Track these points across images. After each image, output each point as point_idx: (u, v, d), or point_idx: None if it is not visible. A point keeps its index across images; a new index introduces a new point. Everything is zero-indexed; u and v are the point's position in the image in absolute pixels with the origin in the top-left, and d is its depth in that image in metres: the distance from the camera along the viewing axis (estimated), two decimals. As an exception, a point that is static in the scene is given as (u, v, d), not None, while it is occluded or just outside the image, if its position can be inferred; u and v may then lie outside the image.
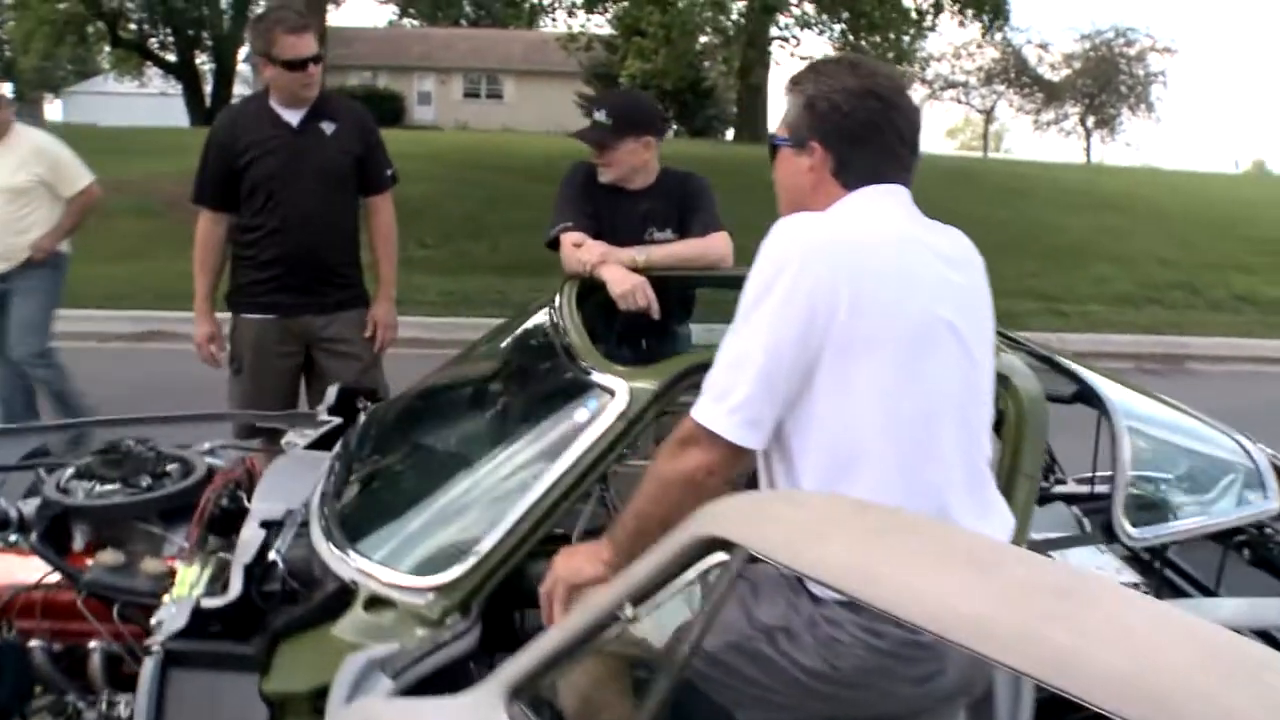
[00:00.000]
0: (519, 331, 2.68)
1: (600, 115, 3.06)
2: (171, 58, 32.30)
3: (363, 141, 3.64)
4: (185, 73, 31.97)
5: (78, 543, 2.33)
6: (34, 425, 4.26)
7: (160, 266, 9.75)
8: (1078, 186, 18.29)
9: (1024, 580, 1.08)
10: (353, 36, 35.20)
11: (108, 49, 32.99)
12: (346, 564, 1.94)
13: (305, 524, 2.15)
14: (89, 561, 2.24)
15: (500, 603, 1.99)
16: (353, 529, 2.05)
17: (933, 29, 17.97)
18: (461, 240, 11.08)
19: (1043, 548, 2.15)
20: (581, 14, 19.66)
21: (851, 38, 20.63)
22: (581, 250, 2.87)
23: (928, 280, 1.66)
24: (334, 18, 9.92)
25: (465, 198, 12.51)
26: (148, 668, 1.81)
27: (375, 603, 1.85)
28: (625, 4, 17.29)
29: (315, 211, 3.51)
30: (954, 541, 1.24)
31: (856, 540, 1.21)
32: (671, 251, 2.93)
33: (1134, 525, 2.24)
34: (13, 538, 2.28)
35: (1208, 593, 2.32)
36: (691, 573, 1.32)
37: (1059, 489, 2.88)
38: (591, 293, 2.80)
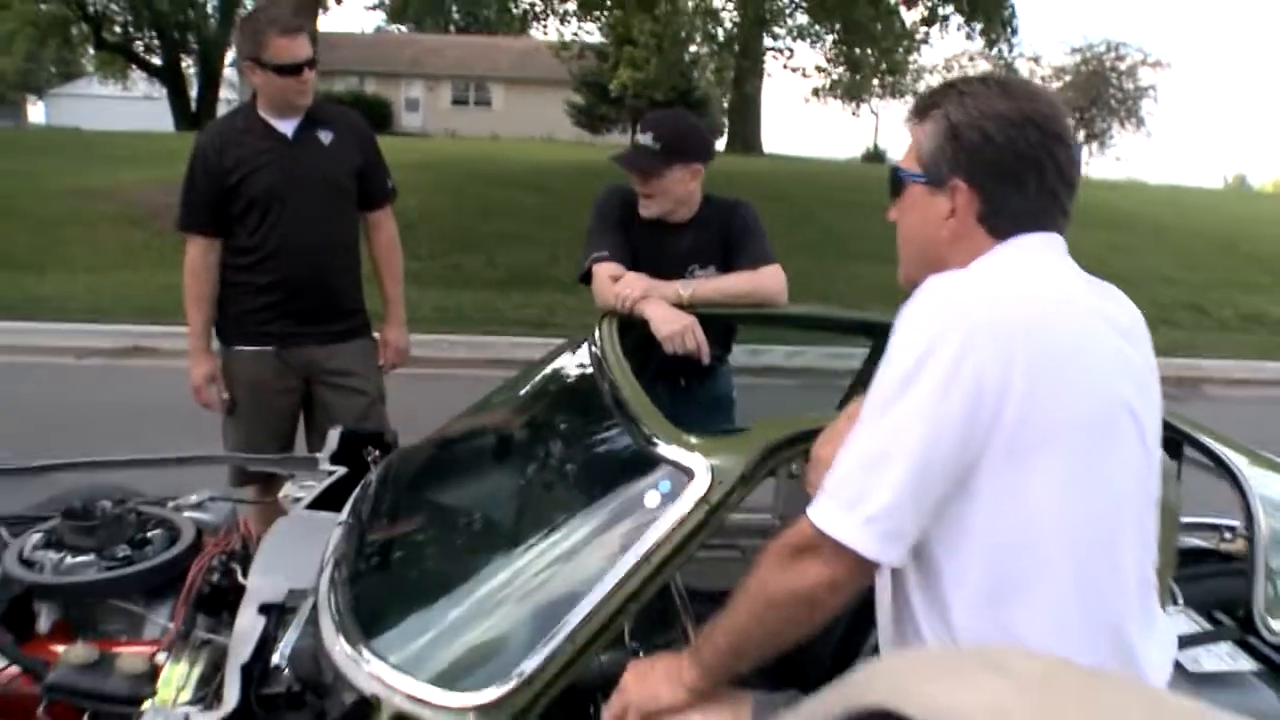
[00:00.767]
0: (557, 379, 2.36)
1: (646, 139, 2.74)
2: (157, 61, 31.86)
3: (362, 151, 3.31)
4: (170, 76, 31.52)
5: (43, 624, 2.00)
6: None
7: (143, 278, 9.40)
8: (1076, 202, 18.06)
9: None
10: (340, 41, 34.77)
11: (92, 51, 32.51)
12: (364, 669, 1.61)
13: (312, 610, 1.82)
14: (57, 650, 1.92)
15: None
16: (370, 622, 1.72)
17: (925, 41, 17.77)
18: (455, 253, 10.74)
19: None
20: (574, 21, 19.38)
21: (845, 49, 20.52)
22: (620, 284, 2.55)
23: (1107, 357, 1.34)
24: (321, 22, 9.59)
25: (457, 209, 12.17)
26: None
27: (401, 720, 1.53)
28: (617, 12, 16.98)
29: (316, 230, 3.18)
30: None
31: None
32: (720, 287, 2.62)
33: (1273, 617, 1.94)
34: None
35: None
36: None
37: None
38: (627, 329, 2.48)
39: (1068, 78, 38.87)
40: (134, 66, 32.28)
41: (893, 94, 32.40)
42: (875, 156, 38.08)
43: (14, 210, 10.83)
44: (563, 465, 2.07)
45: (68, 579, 2.00)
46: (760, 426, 1.67)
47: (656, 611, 1.81)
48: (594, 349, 2.28)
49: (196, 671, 1.79)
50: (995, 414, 1.25)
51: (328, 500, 2.44)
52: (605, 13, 17.42)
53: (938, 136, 1.43)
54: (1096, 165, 40.87)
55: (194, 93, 31.86)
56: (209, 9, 31.16)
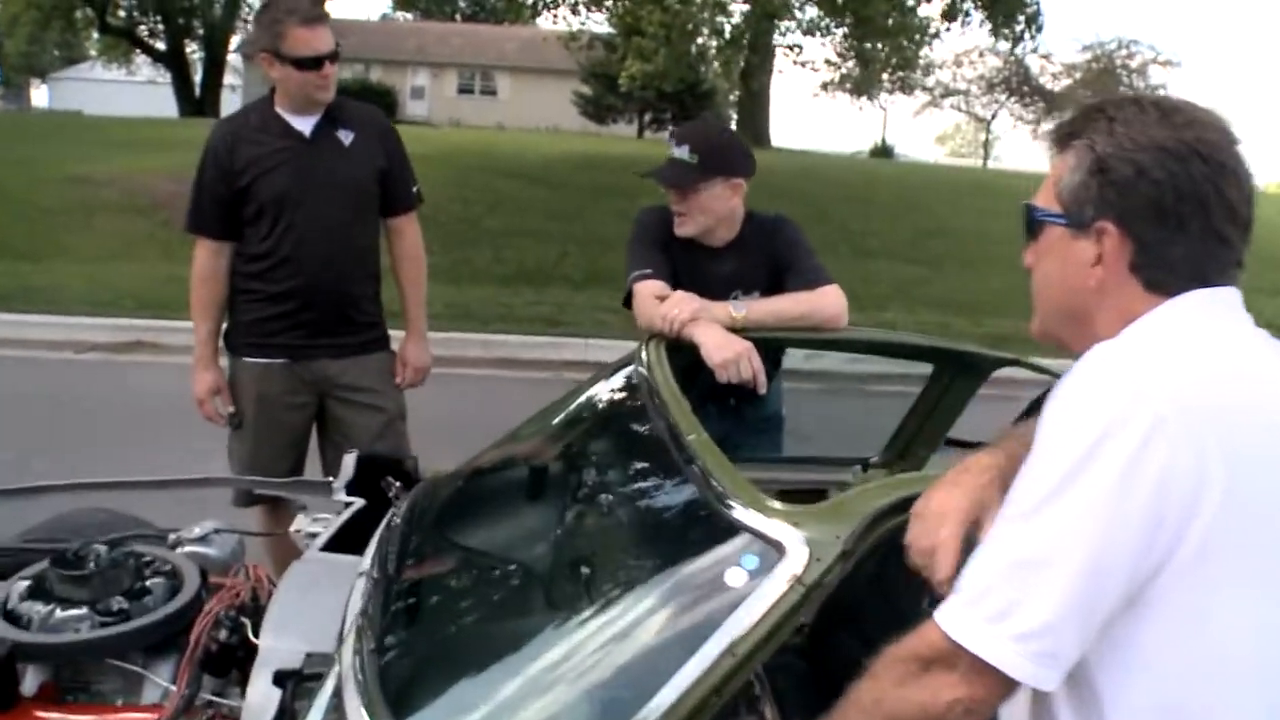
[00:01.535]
0: (604, 410, 2.13)
1: (681, 151, 2.52)
2: (161, 46, 31.55)
3: (385, 152, 3.08)
4: (174, 61, 31.21)
5: (29, 685, 1.77)
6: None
7: (146, 269, 9.17)
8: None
9: None
10: (345, 29, 34.44)
11: (96, 35, 32.23)
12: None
13: (336, 684, 1.60)
14: (44, 716, 1.71)
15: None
16: (401, 700, 1.50)
17: (938, 36, 17.54)
18: (463, 248, 10.50)
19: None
20: (584, 11, 19.12)
21: (856, 43, 20.29)
22: (667, 304, 2.32)
23: None
24: (328, 9, 9.36)
25: (465, 202, 11.94)
26: None
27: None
28: (626, 2, 16.73)
29: (334, 235, 2.95)
30: None
31: None
32: (776, 309, 2.39)
33: None
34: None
35: None
36: None
37: None
38: (672, 349, 2.26)
39: (1078, 75, 38.61)
40: (138, 51, 31.99)
41: (902, 89, 32.17)
42: (883, 151, 37.81)
43: (11, 197, 10.59)
44: (621, 517, 1.85)
45: (57, 638, 1.77)
46: (859, 492, 1.44)
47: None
48: (640, 371, 2.06)
49: (203, 753, 1.58)
50: (1185, 518, 1.02)
51: (345, 537, 2.22)
52: (614, 3, 17.15)
53: (1081, 171, 1.19)
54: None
55: (198, 78, 31.56)
56: (214, -7, 30.89)
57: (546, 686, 1.46)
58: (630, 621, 1.45)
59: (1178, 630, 1.06)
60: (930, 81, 38.72)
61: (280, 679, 1.64)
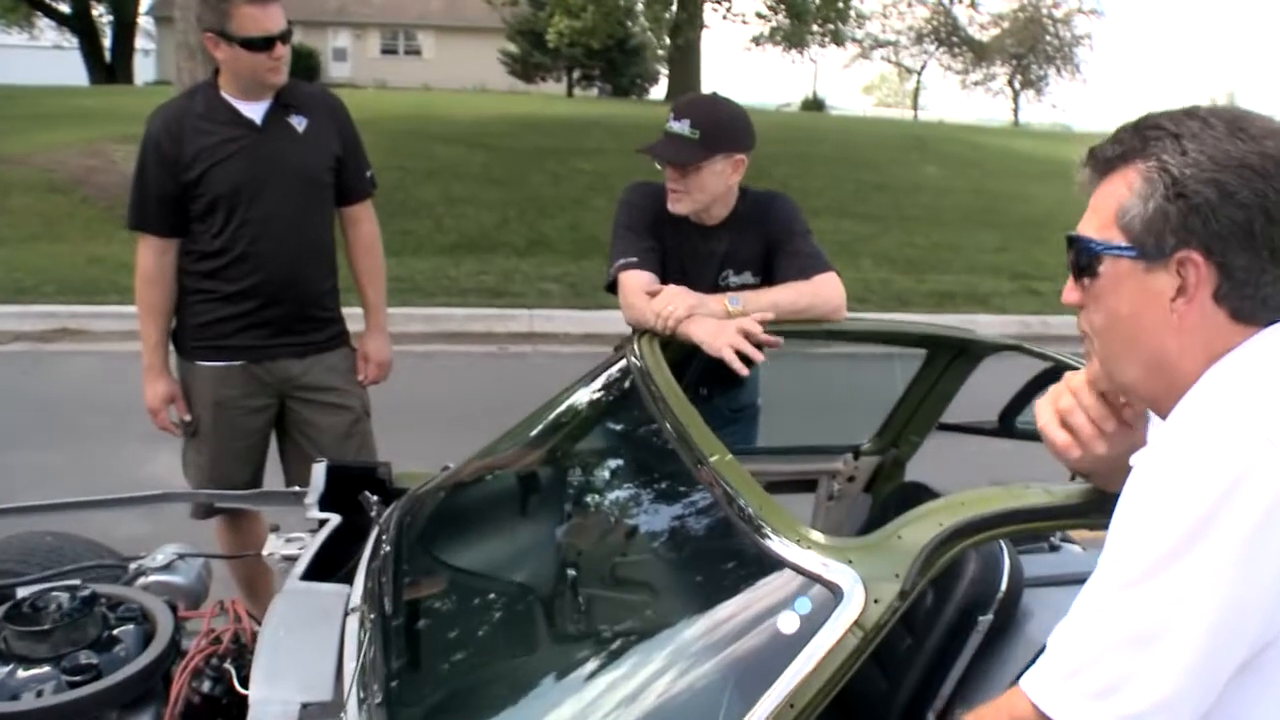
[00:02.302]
0: (605, 415, 1.99)
1: (681, 126, 2.37)
2: (65, 8, 30.23)
3: (340, 138, 2.88)
4: (81, 25, 29.93)
5: (-11, 755, 1.61)
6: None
7: (68, 250, 8.75)
8: (1033, 153, 17.95)
9: None
10: (262, -12, 33.39)
11: (-8, -2, 30.79)
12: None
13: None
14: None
15: None
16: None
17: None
18: (401, 218, 10.20)
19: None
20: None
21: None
22: (660, 300, 2.19)
23: None
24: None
25: (401, 169, 11.59)
26: None
27: None
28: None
29: (292, 229, 2.76)
30: None
31: None
32: (774, 300, 2.27)
33: None
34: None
35: None
36: None
37: None
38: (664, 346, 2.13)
39: (1005, 25, 38.86)
40: (40, 14, 30.63)
41: (834, 41, 32.05)
42: (815, 104, 37.80)
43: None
44: (645, 547, 1.72)
45: (18, 706, 1.59)
46: (909, 522, 1.32)
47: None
48: (636, 371, 1.93)
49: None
50: None
51: (324, 558, 2.08)
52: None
53: (1156, 197, 1.06)
54: (1034, 112, 41.26)
55: (108, 43, 30.34)
56: (120, -47, 29.63)
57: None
58: (675, 672, 1.34)
59: None
60: (860, 34, 38.66)
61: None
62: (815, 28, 26.26)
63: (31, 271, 8.09)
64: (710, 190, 2.41)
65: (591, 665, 1.46)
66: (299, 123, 2.77)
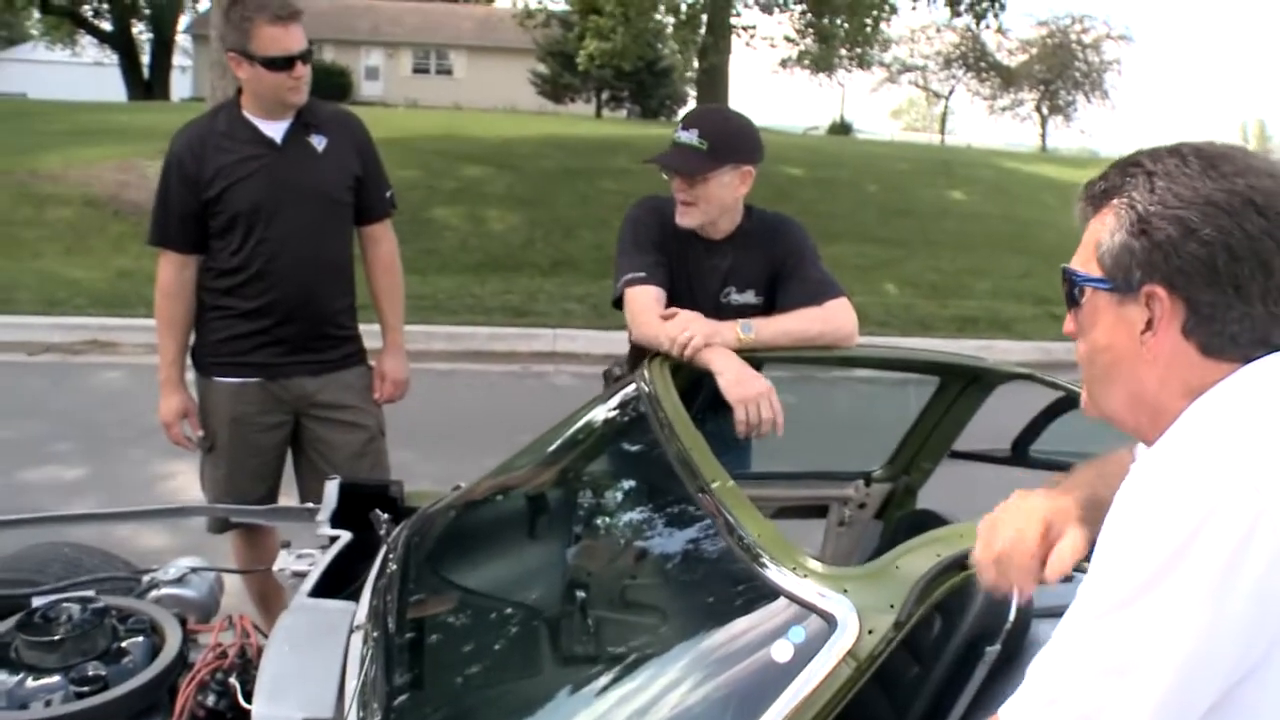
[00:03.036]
0: (613, 439, 2.01)
1: (689, 136, 2.37)
2: (106, 26, 30.76)
3: (360, 158, 2.92)
4: (121, 42, 30.44)
5: (-1, 762, 1.64)
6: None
7: (98, 264, 8.89)
8: (1060, 178, 17.88)
9: None
10: (297, 7, 33.84)
11: (37, 15, 31.35)
12: None
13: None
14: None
15: None
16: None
17: (895, 12, 17.49)
18: (428, 236, 10.30)
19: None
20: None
21: (814, 19, 20.19)
22: (674, 324, 2.19)
23: None
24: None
25: (429, 188, 11.70)
26: None
27: None
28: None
29: (309, 247, 2.79)
30: None
31: None
32: (787, 328, 2.27)
33: None
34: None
35: None
36: None
37: None
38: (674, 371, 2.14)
39: (1034, 51, 38.82)
40: (82, 31, 31.19)
41: (860, 65, 32.08)
42: (842, 128, 37.83)
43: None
44: (640, 568, 1.73)
45: (27, 715, 1.62)
46: (905, 552, 1.33)
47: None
48: (645, 397, 1.94)
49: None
50: None
51: (333, 575, 2.10)
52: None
53: (1122, 232, 1.09)
54: (1062, 137, 41.07)
55: (146, 60, 30.82)
56: (160, -28, 30.13)
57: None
58: (671, 698, 1.34)
59: None
60: (888, 58, 38.73)
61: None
62: (843, 52, 26.35)
63: (64, 284, 8.23)
64: (718, 201, 2.41)
65: (588, 688, 1.47)
66: (319, 142, 2.81)
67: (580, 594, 1.76)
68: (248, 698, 1.67)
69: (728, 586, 1.43)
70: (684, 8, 19.36)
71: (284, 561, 2.23)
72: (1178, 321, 1.07)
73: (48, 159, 11.18)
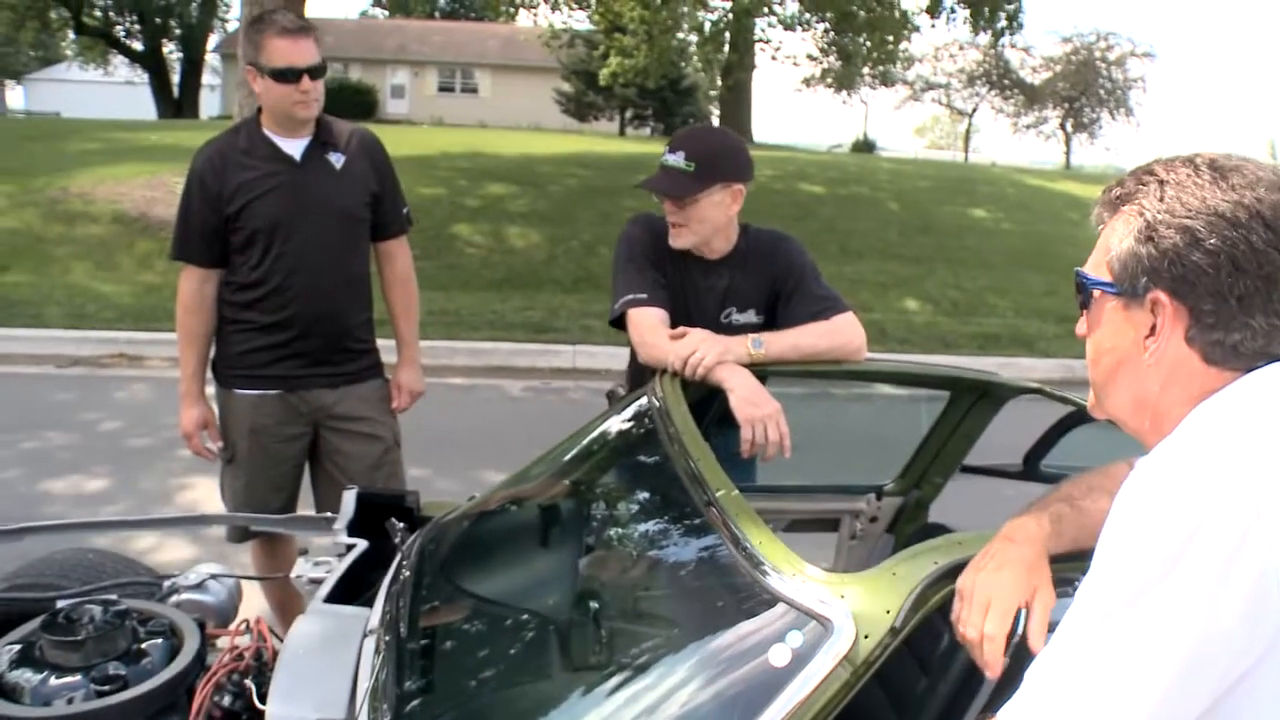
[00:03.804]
0: (622, 453, 2.04)
1: (676, 159, 2.37)
2: (138, 46, 31.27)
3: (377, 175, 2.97)
4: (152, 62, 30.94)
5: (21, 759, 1.68)
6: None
7: (125, 279, 9.04)
8: (1084, 196, 17.80)
9: None
10: (324, 28, 33.86)
11: (71, 35, 31.91)
12: None
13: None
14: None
15: None
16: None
17: (917, 30, 17.53)
18: (451, 253, 10.39)
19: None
20: (564, 8, 19.05)
21: (836, 35, 20.26)
22: (684, 344, 2.19)
23: None
24: (307, 9, 9.06)
25: (452, 205, 11.81)
26: None
27: None
28: (606, -1, 16.66)
29: (327, 262, 2.85)
30: None
31: None
32: (796, 343, 2.29)
33: None
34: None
35: None
36: None
37: None
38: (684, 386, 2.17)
39: (1058, 68, 38.69)
40: (115, 52, 31.69)
41: (883, 83, 32.11)
42: (866, 145, 37.84)
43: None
44: (652, 579, 1.76)
45: (50, 712, 1.67)
46: (904, 559, 1.35)
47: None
48: (655, 411, 1.97)
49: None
50: None
51: (349, 579, 2.14)
52: (595, 0, 17.06)
53: (1130, 237, 1.12)
54: (1086, 155, 40.86)
55: (176, 79, 31.28)
56: (190, -7, 30.61)
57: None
58: (670, 703, 1.37)
59: None
60: (911, 75, 38.73)
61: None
62: (865, 70, 26.41)
63: (93, 298, 8.36)
64: (710, 221, 2.41)
65: (590, 691, 1.50)
66: (337, 159, 2.87)
67: (585, 601, 1.79)
68: (262, 699, 1.71)
69: (730, 593, 1.45)
70: (707, 25, 19.46)
71: (301, 569, 2.27)
72: (1181, 329, 1.10)
73: (79, 177, 11.35)
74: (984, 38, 16.46)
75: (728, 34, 20.50)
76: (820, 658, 1.24)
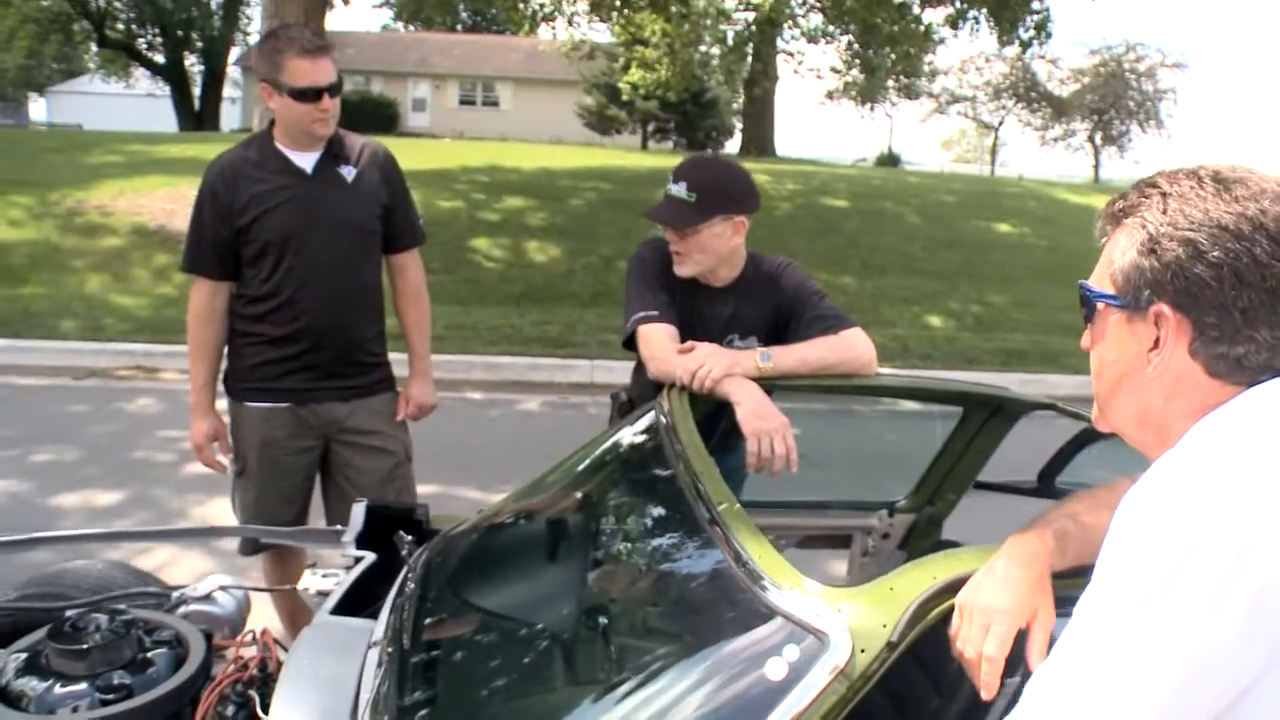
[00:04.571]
0: (628, 468, 2.03)
1: (678, 189, 2.41)
2: (160, 59, 31.63)
3: (388, 188, 2.98)
4: (173, 74, 31.29)
5: (25, 768, 1.68)
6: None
7: (142, 292, 9.10)
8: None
9: None
10: (346, 41, 34.48)
11: (94, 48, 32.31)
12: None
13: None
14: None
15: None
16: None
17: (942, 42, 17.52)
18: (469, 267, 10.42)
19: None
20: (584, 22, 19.14)
21: (860, 50, 20.26)
22: (692, 358, 2.20)
23: None
24: (328, 21, 9.16)
25: (471, 218, 11.85)
26: None
27: None
28: (628, 12, 16.70)
29: (339, 275, 2.86)
30: None
31: None
32: (804, 357, 2.28)
33: None
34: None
35: None
36: None
37: None
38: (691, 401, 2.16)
39: (1086, 80, 38.47)
40: (137, 64, 32.05)
41: (908, 96, 32.08)
42: (890, 159, 37.76)
43: (4, 216, 10.51)
44: (653, 592, 1.75)
45: (55, 721, 1.67)
46: (903, 573, 1.34)
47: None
48: (665, 420, 1.96)
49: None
50: None
51: (357, 592, 2.14)
52: (616, 13, 17.10)
53: (1133, 249, 1.11)
54: (1116, 168, 40.51)
55: (197, 91, 31.60)
56: (212, 6, 30.92)
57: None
58: (667, 715, 1.36)
59: None
60: (936, 88, 38.65)
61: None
62: (889, 83, 26.40)
63: (110, 310, 8.42)
64: (712, 252, 2.44)
65: (589, 703, 1.49)
66: (348, 173, 2.88)
67: (584, 614, 1.79)
68: (266, 709, 1.71)
69: (729, 607, 1.44)
70: (730, 35, 19.50)
71: (309, 581, 2.28)
72: (1184, 342, 1.09)
73: (99, 189, 11.45)
74: (1011, 49, 16.44)
75: (750, 45, 20.55)
76: (816, 671, 1.24)
